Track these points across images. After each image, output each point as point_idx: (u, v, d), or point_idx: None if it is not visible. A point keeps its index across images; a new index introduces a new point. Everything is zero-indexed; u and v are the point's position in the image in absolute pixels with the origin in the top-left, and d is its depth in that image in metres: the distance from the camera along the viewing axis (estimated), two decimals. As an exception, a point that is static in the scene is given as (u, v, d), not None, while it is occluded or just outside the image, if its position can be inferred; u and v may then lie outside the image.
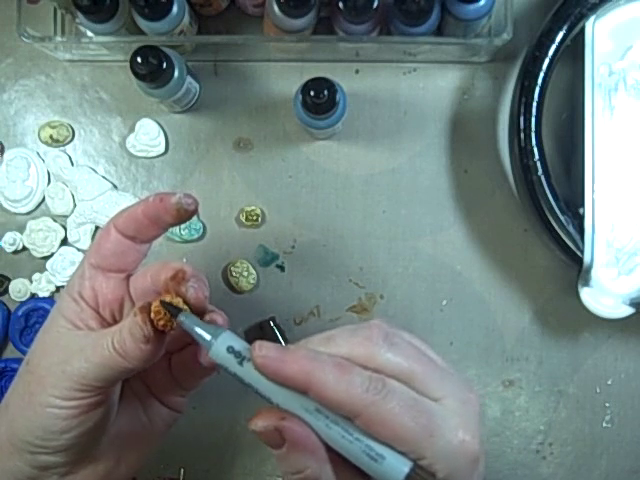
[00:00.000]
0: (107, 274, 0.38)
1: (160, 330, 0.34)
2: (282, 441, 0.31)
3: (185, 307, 0.34)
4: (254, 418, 0.32)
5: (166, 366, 0.40)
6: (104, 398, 0.36)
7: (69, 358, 0.35)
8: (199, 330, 0.33)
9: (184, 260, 0.53)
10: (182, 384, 0.40)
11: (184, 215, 0.37)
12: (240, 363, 0.32)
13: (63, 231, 0.53)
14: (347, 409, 0.30)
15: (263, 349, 0.31)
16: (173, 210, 0.37)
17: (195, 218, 0.53)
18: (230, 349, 0.32)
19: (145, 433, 0.40)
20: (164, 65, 0.45)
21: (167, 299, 0.34)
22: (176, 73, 0.47)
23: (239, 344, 0.32)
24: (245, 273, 0.53)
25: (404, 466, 0.30)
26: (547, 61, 0.48)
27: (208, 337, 0.33)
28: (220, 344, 0.32)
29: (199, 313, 0.35)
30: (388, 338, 0.32)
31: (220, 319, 0.36)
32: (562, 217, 0.48)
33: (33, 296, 0.53)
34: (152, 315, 0.34)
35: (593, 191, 0.48)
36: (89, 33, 0.49)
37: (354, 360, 0.31)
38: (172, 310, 0.34)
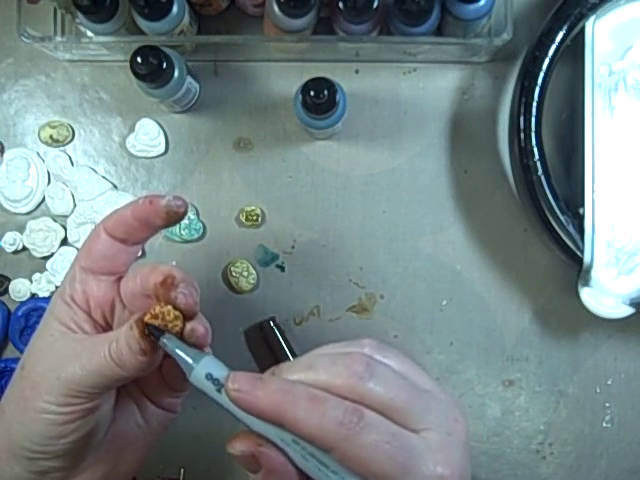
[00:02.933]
0: (98, 277, 0.38)
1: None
2: (258, 467, 0.31)
3: (177, 313, 0.34)
4: (232, 441, 0.32)
5: (157, 368, 0.39)
6: (99, 403, 0.35)
7: (63, 364, 0.35)
8: (181, 353, 0.33)
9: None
10: (173, 386, 0.40)
11: (173, 217, 0.37)
12: (218, 390, 0.32)
13: (63, 231, 0.53)
14: (320, 443, 0.30)
15: (236, 382, 0.31)
16: (162, 213, 0.36)
17: (195, 218, 0.53)
18: (209, 376, 0.32)
19: (142, 435, 0.40)
20: (164, 65, 0.45)
21: (157, 308, 0.34)
22: (176, 73, 0.47)
23: (218, 371, 0.32)
24: (245, 273, 0.53)
25: None
26: (547, 61, 0.48)
27: (189, 361, 0.33)
28: (200, 369, 0.32)
29: (190, 318, 0.35)
30: (369, 367, 0.31)
31: (201, 329, 0.35)
32: (562, 217, 0.48)
33: (33, 296, 0.53)
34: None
35: (593, 191, 0.48)
36: (89, 33, 0.49)
37: (333, 390, 0.31)
38: (155, 333, 0.34)
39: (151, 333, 0.34)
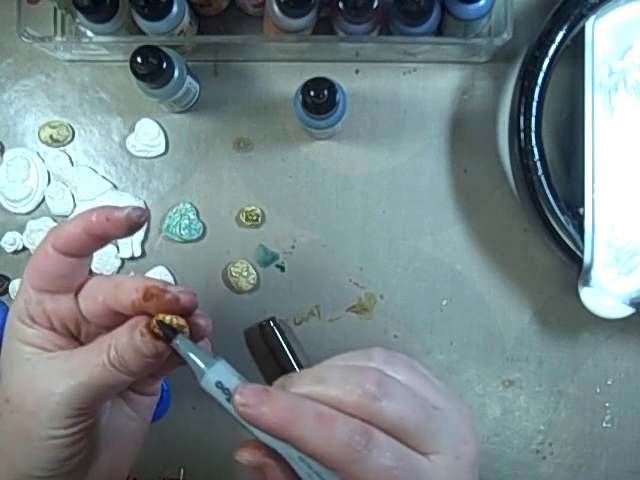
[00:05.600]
0: (56, 296, 0.36)
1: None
2: (263, 478, 0.31)
3: (182, 322, 0.34)
4: (240, 449, 0.31)
5: None
6: (100, 413, 0.36)
7: (57, 386, 0.34)
8: (193, 357, 0.33)
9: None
10: (158, 376, 0.39)
11: (136, 227, 0.35)
12: (228, 400, 0.31)
13: (63, 231, 0.53)
14: (326, 462, 0.29)
15: (244, 396, 0.30)
16: (124, 226, 0.35)
17: (195, 218, 0.53)
18: (219, 384, 0.32)
19: (134, 425, 0.39)
20: (164, 65, 0.45)
21: (159, 318, 0.33)
22: (176, 73, 0.47)
23: (229, 379, 0.32)
24: (245, 273, 0.53)
25: None
26: (547, 61, 0.48)
27: (202, 366, 0.32)
28: (211, 376, 0.32)
29: (190, 314, 0.34)
30: (382, 386, 0.30)
31: (203, 322, 0.35)
32: (562, 217, 0.48)
33: (33, 296, 0.53)
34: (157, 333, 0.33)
35: (593, 191, 0.48)
36: (89, 33, 0.49)
37: (343, 407, 0.30)
38: (169, 333, 0.33)
39: (165, 334, 0.33)
